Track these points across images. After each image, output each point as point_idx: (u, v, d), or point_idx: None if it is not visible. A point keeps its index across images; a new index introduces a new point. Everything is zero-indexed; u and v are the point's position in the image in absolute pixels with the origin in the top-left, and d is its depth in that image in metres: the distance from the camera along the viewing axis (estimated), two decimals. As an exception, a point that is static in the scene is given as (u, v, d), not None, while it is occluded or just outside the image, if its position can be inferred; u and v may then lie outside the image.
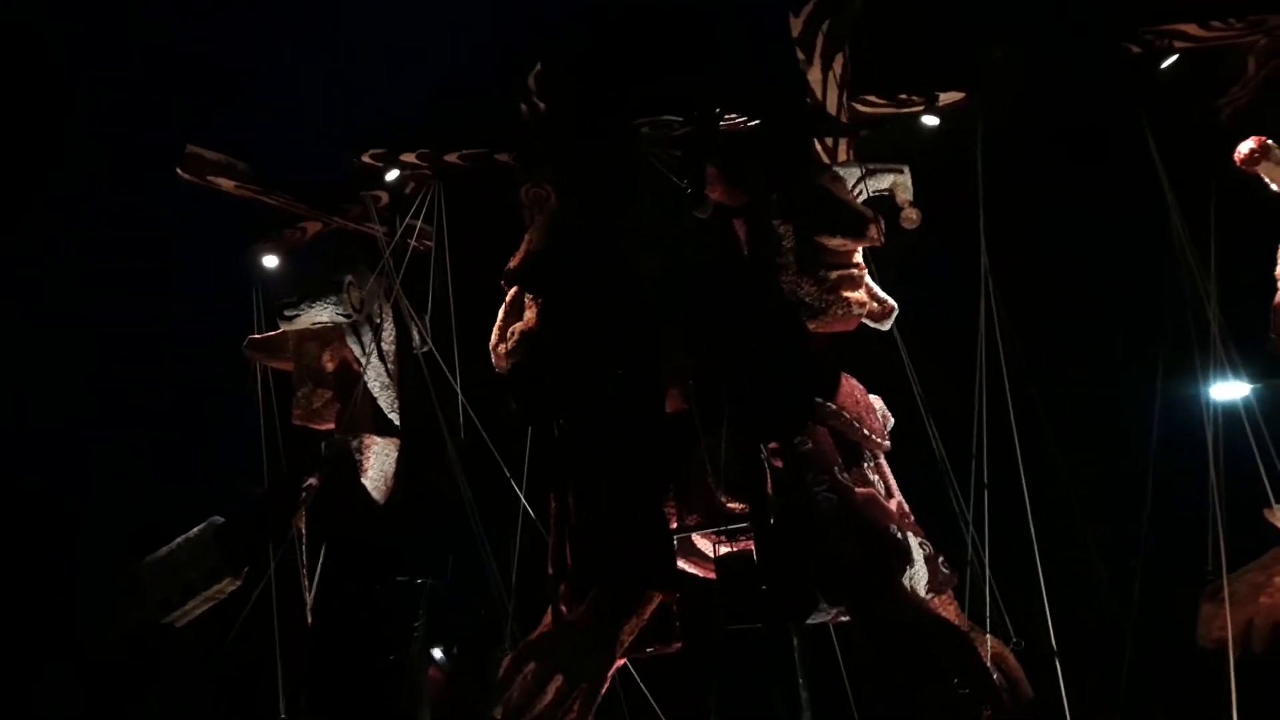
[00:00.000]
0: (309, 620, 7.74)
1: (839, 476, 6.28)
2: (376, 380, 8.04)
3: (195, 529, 7.87)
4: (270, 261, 8.68)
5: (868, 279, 6.92)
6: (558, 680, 6.14)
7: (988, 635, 6.53)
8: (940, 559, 6.75)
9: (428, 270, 8.27)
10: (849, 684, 6.88)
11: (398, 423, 8.12)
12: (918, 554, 6.64)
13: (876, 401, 7.11)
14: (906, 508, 6.86)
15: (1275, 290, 6.82)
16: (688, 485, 6.83)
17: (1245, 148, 6.61)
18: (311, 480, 7.84)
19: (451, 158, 7.85)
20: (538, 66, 7.25)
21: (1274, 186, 6.79)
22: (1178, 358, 7.03)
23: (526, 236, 7.54)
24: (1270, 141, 6.61)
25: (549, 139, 7.50)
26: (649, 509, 6.78)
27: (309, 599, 7.76)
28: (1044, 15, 6.90)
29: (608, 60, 7.33)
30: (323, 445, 8.05)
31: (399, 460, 8.08)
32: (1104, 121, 7.24)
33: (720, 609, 6.32)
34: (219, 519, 7.92)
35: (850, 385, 6.87)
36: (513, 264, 7.41)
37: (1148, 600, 7.43)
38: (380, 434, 8.03)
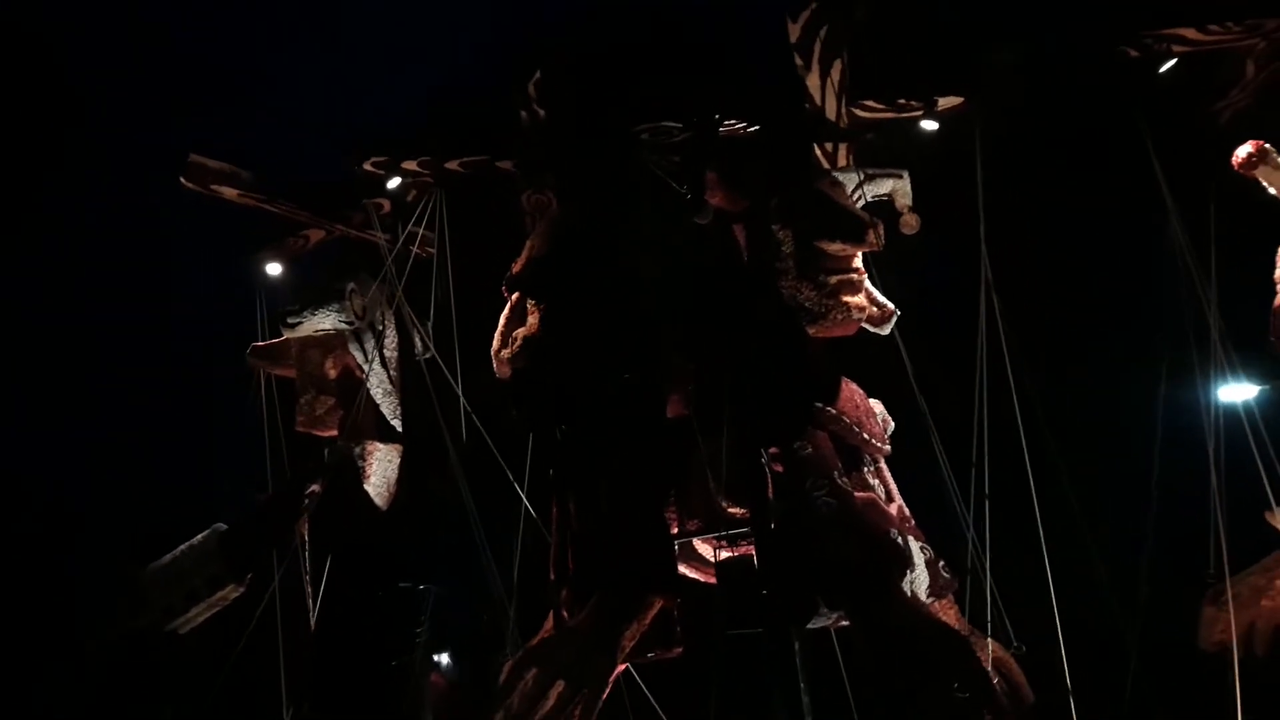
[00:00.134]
0: (312, 627, 7.75)
1: (839, 481, 6.29)
2: (379, 387, 8.07)
3: (198, 536, 7.89)
4: (273, 269, 8.73)
5: (867, 284, 6.92)
6: (559, 686, 6.15)
7: (989, 640, 6.52)
8: (941, 563, 6.74)
9: (430, 277, 8.31)
10: (850, 689, 6.88)
11: (400, 429, 8.15)
12: (919, 558, 6.63)
13: (877, 406, 7.11)
14: (907, 512, 6.86)
15: (1275, 293, 6.82)
16: (688, 490, 6.84)
17: (1243, 152, 6.62)
18: (314, 487, 7.86)
19: (453, 165, 7.89)
20: (537, 74, 7.30)
21: (1272, 190, 6.79)
22: (1178, 360, 7.04)
23: (528, 243, 7.57)
24: (1268, 145, 6.61)
25: (549, 146, 7.54)
26: (650, 514, 6.79)
27: (312, 606, 7.78)
28: (1042, 20, 6.91)
29: (607, 66, 7.36)
30: (325, 452, 8.07)
31: (402, 467, 8.10)
32: (1103, 125, 7.25)
33: (721, 614, 6.33)
34: (222, 526, 7.95)
35: (850, 390, 6.88)
36: (515, 270, 7.44)
37: (1150, 603, 7.43)
38: (383, 440, 8.06)
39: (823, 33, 6.68)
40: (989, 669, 6.30)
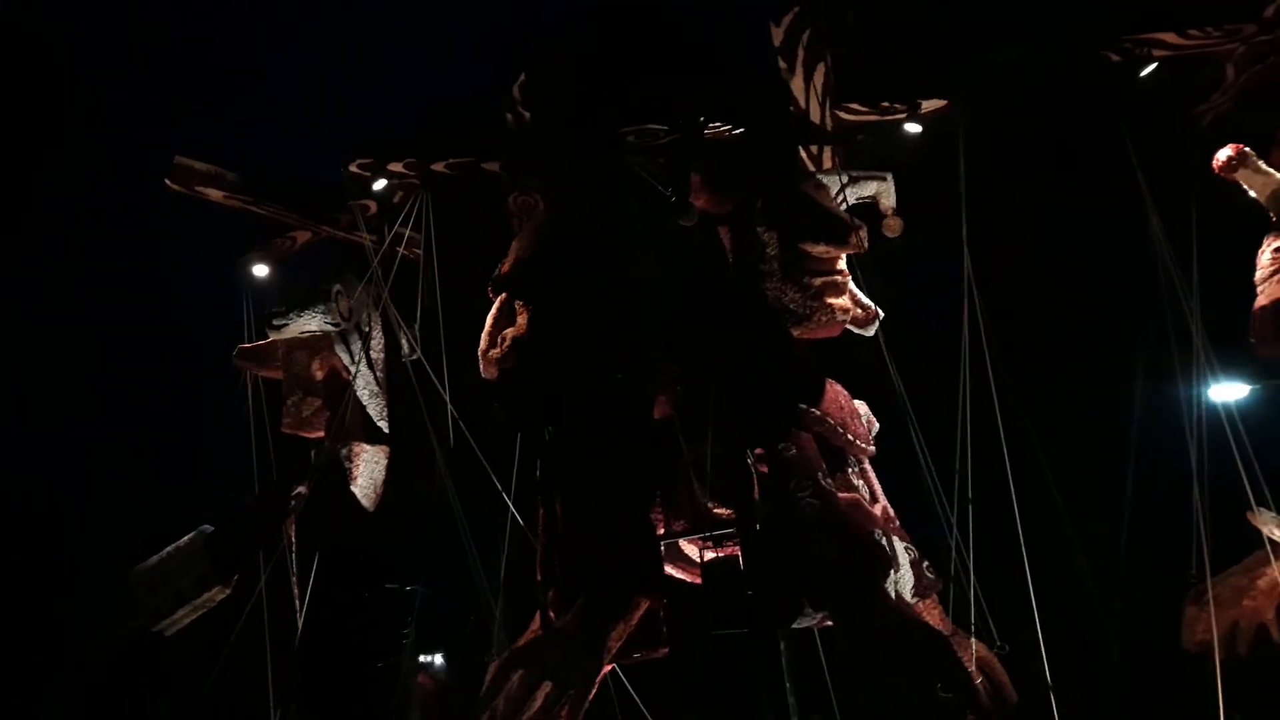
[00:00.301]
0: (299, 628, 7.74)
1: (823, 482, 6.32)
2: (365, 388, 8.07)
3: (185, 538, 7.87)
4: (260, 270, 8.72)
5: (851, 285, 6.96)
6: (546, 687, 6.16)
7: (972, 640, 6.56)
8: (925, 564, 6.78)
9: (416, 279, 8.31)
10: (832, 688, 6.91)
11: (387, 430, 8.15)
12: (903, 558, 6.68)
13: (861, 407, 7.14)
14: (891, 512, 6.89)
15: (1256, 295, 6.88)
16: (674, 491, 6.86)
17: (1223, 155, 6.69)
18: (301, 488, 7.85)
19: (439, 167, 7.89)
20: (522, 76, 7.31)
21: (1252, 193, 6.86)
22: (1162, 362, 7.08)
23: (514, 244, 7.58)
24: (1247, 149, 6.68)
25: (535, 148, 7.55)
26: (636, 515, 6.80)
27: (299, 607, 7.77)
28: (1025, 25, 6.95)
29: (593, 69, 7.38)
30: (312, 453, 8.06)
31: (388, 468, 8.10)
32: (1086, 128, 7.29)
33: (706, 614, 6.35)
34: (208, 528, 7.93)
35: (835, 391, 6.91)
36: (501, 270, 7.45)
37: (1134, 603, 7.48)
38: (369, 442, 8.06)
39: (805, 37, 6.72)
40: (972, 668, 6.33)
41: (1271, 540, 6.59)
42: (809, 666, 6.76)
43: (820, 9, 6.72)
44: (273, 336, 8.01)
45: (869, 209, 7.24)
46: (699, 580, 6.71)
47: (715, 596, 6.33)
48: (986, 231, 7.40)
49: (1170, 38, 6.70)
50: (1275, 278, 6.65)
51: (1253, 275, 6.95)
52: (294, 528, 7.91)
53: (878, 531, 6.43)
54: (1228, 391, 6.83)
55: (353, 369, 7.97)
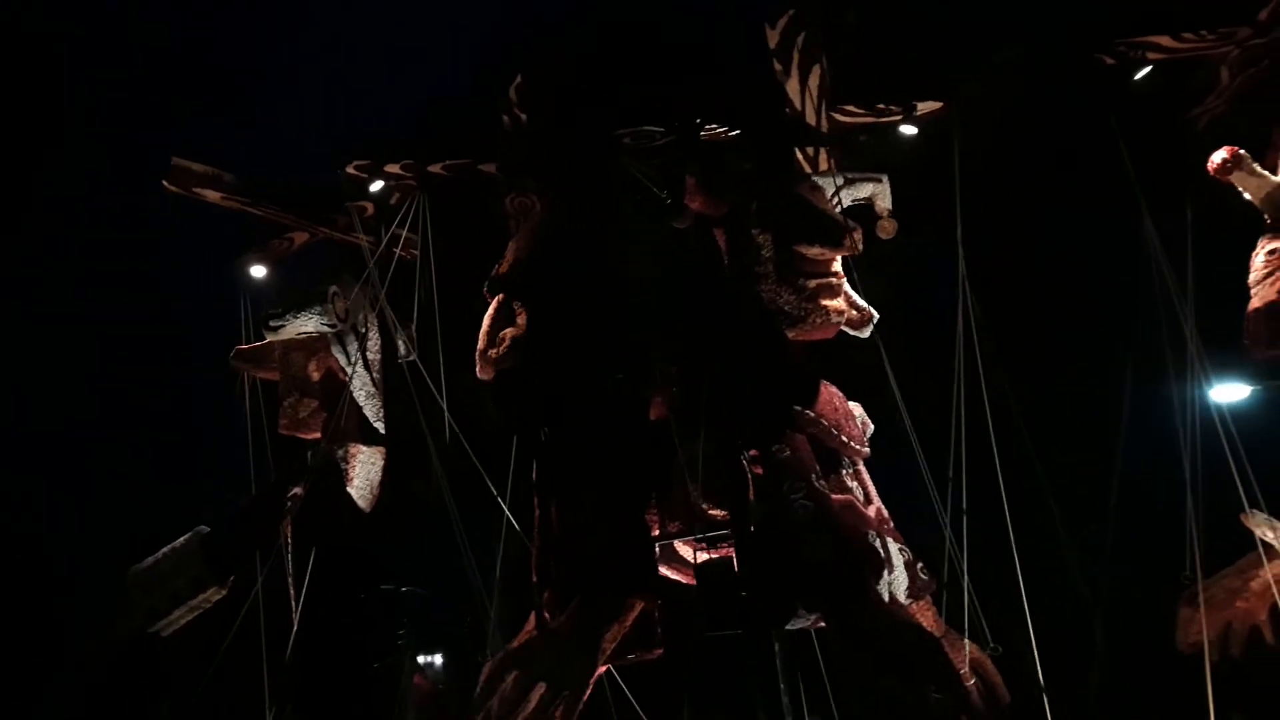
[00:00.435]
0: (295, 628, 7.75)
1: (816, 484, 6.33)
2: (362, 389, 8.08)
3: (181, 538, 7.89)
4: (258, 271, 8.73)
5: (846, 287, 6.98)
6: (540, 688, 6.17)
7: (966, 640, 6.57)
8: (919, 565, 6.79)
9: (414, 280, 8.32)
10: (831, 689, 6.93)
11: (383, 431, 8.16)
12: (897, 560, 6.68)
13: (856, 408, 7.15)
14: (886, 513, 6.90)
15: (1250, 297, 6.89)
16: (670, 492, 6.87)
17: (1218, 157, 6.70)
18: (297, 489, 7.86)
19: (436, 168, 7.91)
20: (518, 78, 7.32)
21: (1247, 195, 6.87)
22: (1156, 363, 7.09)
23: (511, 244, 7.59)
24: (1243, 152, 6.69)
25: (532, 149, 7.56)
26: (631, 516, 6.82)
27: (295, 607, 7.78)
28: (1021, 28, 6.96)
29: (589, 71, 7.39)
30: (308, 454, 8.07)
31: (385, 469, 8.11)
32: (1082, 130, 7.30)
33: (701, 615, 6.37)
34: (205, 528, 7.95)
35: (829, 393, 6.92)
36: (499, 271, 7.46)
37: (1131, 604, 7.49)
38: (366, 443, 8.06)
39: (800, 39, 6.72)
40: (965, 669, 6.35)
41: (1264, 542, 6.60)
42: (809, 667, 6.77)
43: (815, 12, 6.73)
44: (270, 338, 8.02)
45: (864, 210, 7.25)
46: (694, 581, 6.72)
47: (709, 598, 6.34)
48: (982, 233, 7.41)
49: (1165, 41, 6.71)
50: (1269, 280, 6.66)
51: (1248, 277, 6.96)
52: (290, 529, 7.93)
53: (871, 533, 6.44)
54: (1228, 392, 6.85)
55: (349, 370, 7.98)
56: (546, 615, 6.74)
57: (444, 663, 9.22)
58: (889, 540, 6.71)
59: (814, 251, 6.68)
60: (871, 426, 7.18)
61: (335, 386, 8.03)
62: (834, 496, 6.45)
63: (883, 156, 7.42)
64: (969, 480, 6.97)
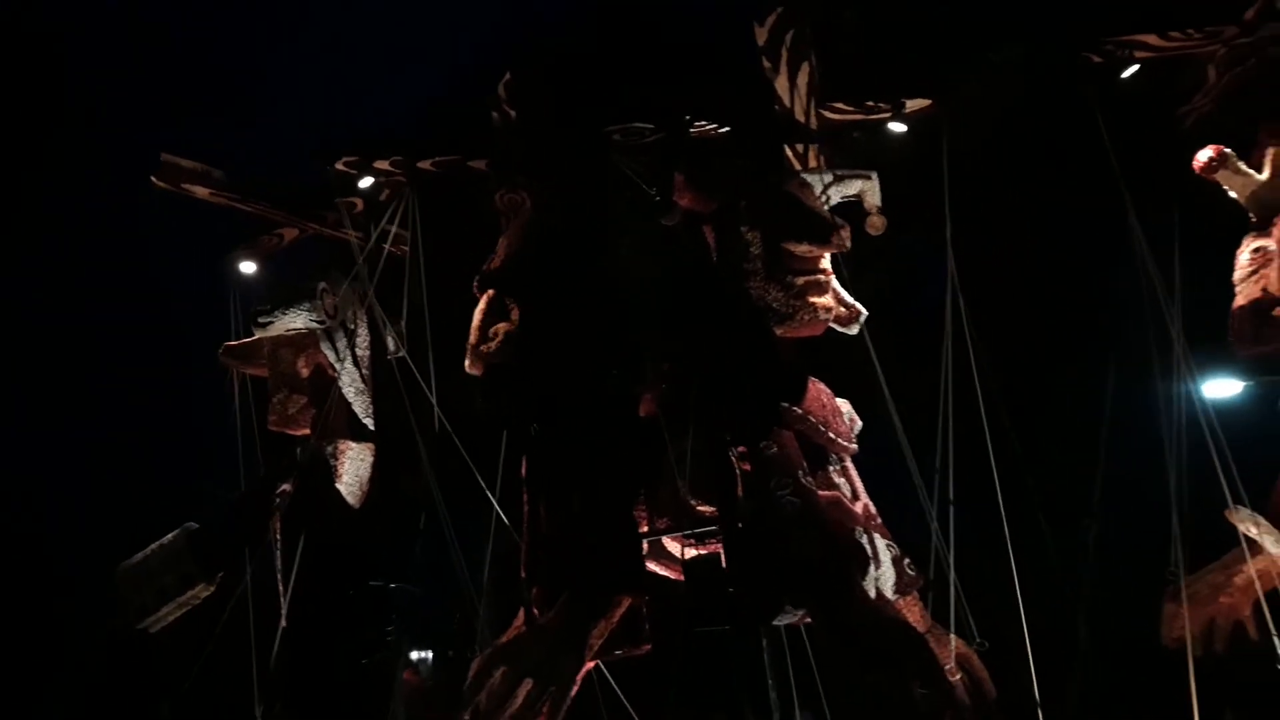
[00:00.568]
0: (284, 625, 7.76)
1: (803, 480, 6.35)
2: (351, 386, 8.09)
3: (169, 535, 7.89)
4: (247, 267, 8.72)
5: (835, 284, 7.00)
6: (527, 684, 6.19)
7: (952, 636, 6.61)
8: (906, 560, 6.83)
9: (403, 276, 8.32)
10: (821, 685, 6.95)
11: (373, 428, 8.16)
12: (884, 556, 6.72)
13: (844, 405, 7.18)
14: (873, 509, 6.93)
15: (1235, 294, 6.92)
16: (658, 488, 6.90)
17: (1204, 156, 6.73)
18: (285, 486, 7.86)
19: (425, 165, 7.91)
20: (508, 75, 7.33)
21: (1233, 194, 6.91)
22: (1143, 360, 7.13)
23: (502, 240, 7.60)
24: (1228, 150, 6.72)
25: (521, 146, 7.57)
26: (619, 513, 6.84)
27: (284, 604, 7.78)
28: (1008, 26, 6.98)
29: (578, 67, 7.40)
30: (297, 451, 8.07)
31: (374, 465, 8.12)
32: (1071, 128, 7.33)
33: (688, 612, 6.39)
34: (193, 525, 7.95)
35: (817, 389, 6.95)
36: (490, 266, 7.47)
37: (1119, 599, 7.54)
38: (355, 439, 8.07)
39: (789, 37, 6.74)
40: (951, 664, 6.38)
41: (1248, 538, 6.64)
42: (801, 664, 6.80)
43: (804, 10, 6.75)
44: (258, 334, 8.02)
45: (854, 207, 7.27)
46: (682, 577, 6.75)
47: (697, 594, 6.37)
48: (972, 230, 7.44)
49: (1152, 39, 6.74)
50: (1253, 278, 6.70)
51: (1233, 275, 6.99)
52: (279, 525, 7.93)
53: (858, 529, 6.47)
54: (1222, 388, 6.91)
55: (338, 366, 7.99)
56: (535, 611, 6.76)
57: (433, 659, 9.25)
58: (876, 536, 6.74)
59: (802, 249, 6.70)
60: (859, 423, 7.21)
61: (324, 383, 8.03)
62: (821, 493, 6.48)
63: (874, 153, 7.44)
64: (958, 477, 7.00)
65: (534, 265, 7.34)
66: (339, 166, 7.97)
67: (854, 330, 7.09)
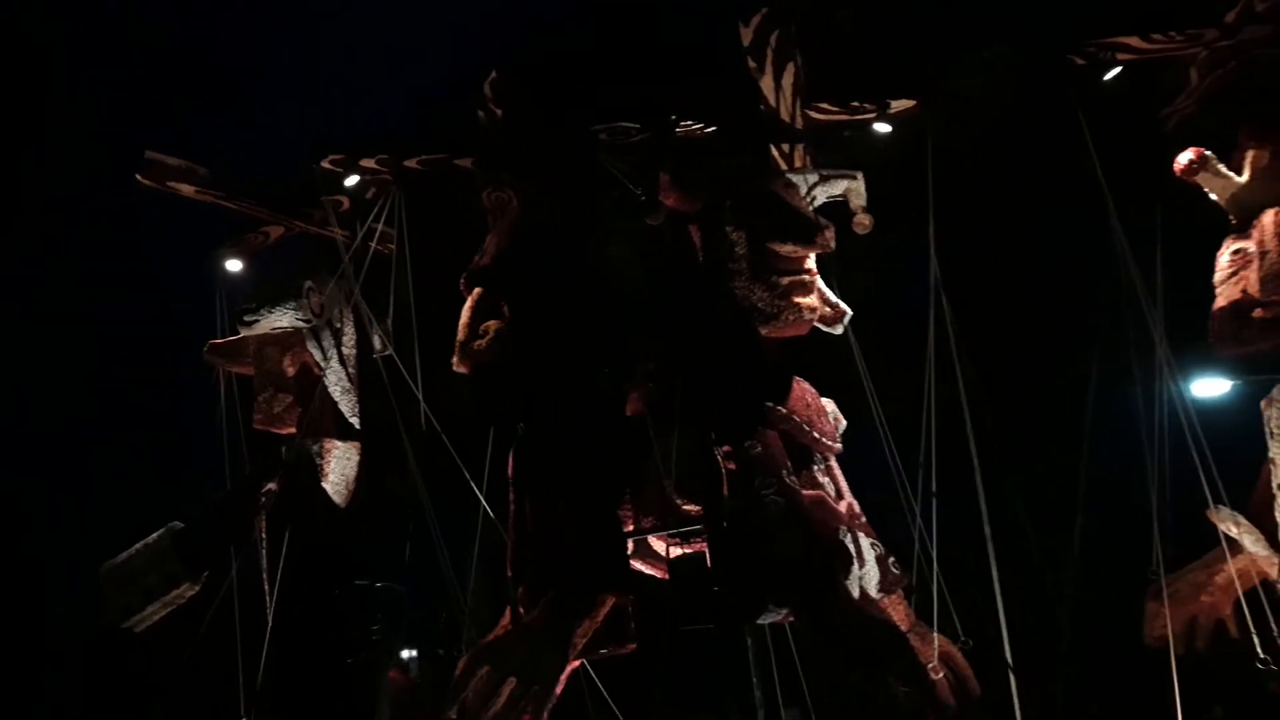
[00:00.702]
0: (269, 625, 7.75)
1: (787, 480, 6.37)
2: (337, 385, 8.08)
3: (154, 534, 7.86)
4: (233, 265, 8.71)
5: (820, 284, 7.02)
6: (511, 683, 6.20)
7: (935, 634, 6.64)
8: (891, 559, 6.86)
9: (390, 275, 8.32)
10: (805, 682, 6.98)
11: (359, 427, 8.16)
12: (869, 554, 6.74)
13: (829, 404, 7.20)
14: (858, 508, 6.96)
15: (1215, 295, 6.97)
16: (644, 487, 6.91)
17: (1184, 159, 6.78)
18: (271, 485, 7.85)
19: (411, 163, 7.90)
20: (493, 73, 7.33)
21: (1213, 196, 6.96)
22: (1126, 360, 7.18)
23: (491, 238, 7.60)
24: (1208, 153, 6.77)
25: (507, 144, 7.58)
26: (605, 512, 6.85)
27: (270, 603, 7.77)
28: (992, 28, 7.02)
29: (564, 66, 7.41)
30: (283, 450, 8.06)
31: (360, 464, 8.12)
32: (1057, 129, 7.37)
33: (673, 611, 6.41)
34: (178, 524, 7.93)
35: (802, 389, 6.97)
36: (479, 263, 7.47)
37: (1104, 598, 7.59)
38: (341, 438, 8.07)
39: (774, 38, 6.76)
40: (935, 662, 6.41)
41: (1228, 537, 6.70)
42: (787, 662, 6.82)
43: (788, 10, 6.76)
44: (244, 333, 8.01)
45: (839, 207, 7.29)
46: (667, 576, 6.77)
47: (682, 593, 6.39)
48: (957, 231, 7.47)
49: (1134, 42, 6.78)
50: (1233, 280, 6.75)
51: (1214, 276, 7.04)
52: (265, 524, 7.91)
53: (842, 528, 6.50)
54: (1210, 387, 6.96)
55: (324, 365, 7.98)
56: (521, 610, 6.76)
57: (419, 658, 9.24)
58: (861, 535, 6.76)
59: (787, 249, 6.71)
60: (844, 422, 7.24)
61: (310, 382, 8.03)
62: (805, 492, 6.50)
63: (862, 153, 7.46)
64: (941, 476, 7.04)
65: (522, 263, 7.34)
66: (325, 164, 7.96)
67: (839, 330, 7.12)
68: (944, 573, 6.89)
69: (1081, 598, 7.51)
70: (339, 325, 8.13)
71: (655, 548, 6.96)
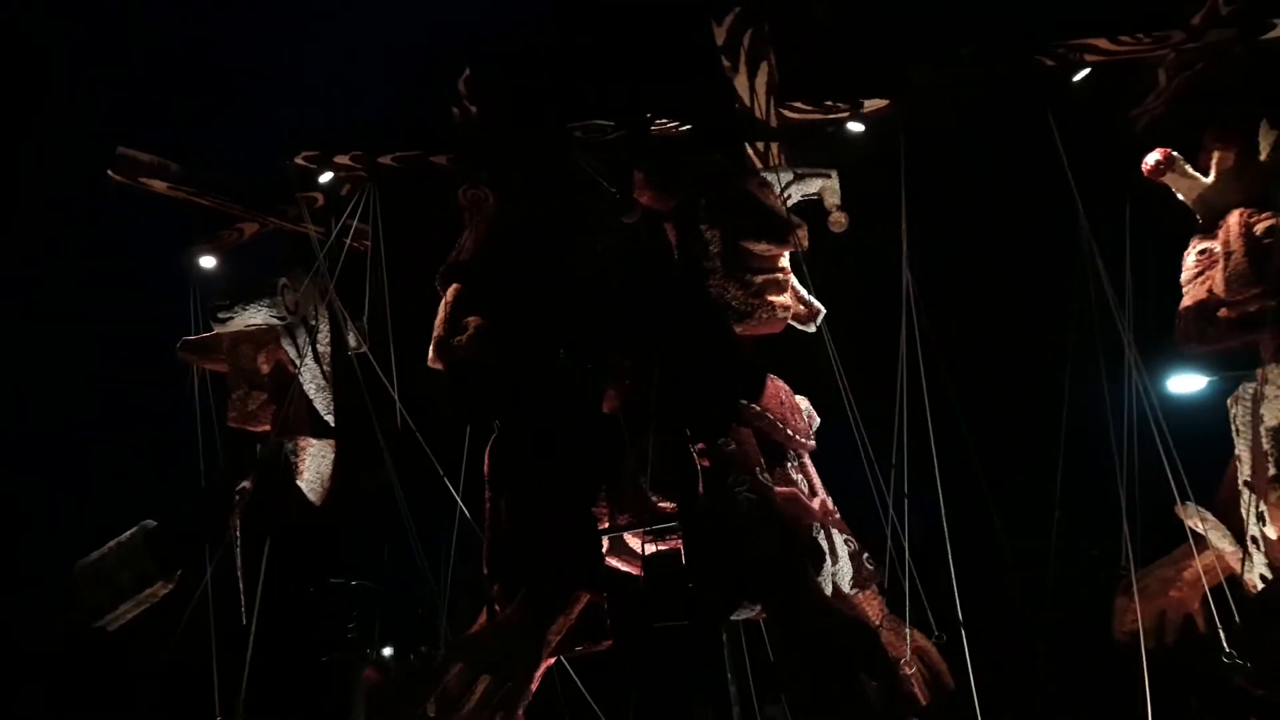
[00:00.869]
0: (244, 623, 7.70)
1: (760, 477, 6.41)
2: (312, 382, 8.03)
3: (126, 533, 7.80)
4: (207, 262, 8.63)
5: (794, 282, 7.06)
6: (484, 680, 6.20)
7: (909, 629, 6.70)
8: (865, 555, 6.91)
9: (365, 271, 8.27)
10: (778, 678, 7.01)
11: (334, 424, 8.12)
12: (842, 551, 6.80)
13: (803, 402, 7.25)
14: (831, 505, 7.01)
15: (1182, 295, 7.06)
16: (620, 485, 6.92)
17: (1151, 159, 6.87)
18: (245, 483, 7.80)
19: (385, 160, 7.87)
20: (467, 71, 7.31)
21: (1180, 196, 7.05)
22: (1095, 358, 7.25)
23: (468, 234, 7.59)
24: (1175, 154, 6.86)
25: (482, 142, 7.56)
26: (579, 510, 6.86)
27: (244, 602, 7.72)
28: (962, 29, 7.07)
29: (538, 64, 7.40)
30: (258, 447, 8.01)
31: (335, 462, 8.08)
32: (1025, 131, 7.43)
33: (647, 607, 6.43)
34: (151, 522, 7.86)
35: (776, 387, 7.01)
36: (456, 258, 7.46)
37: (1071, 594, 7.67)
38: (316, 436, 8.02)
39: (747, 37, 6.78)
40: (909, 657, 6.47)
41: (1195, 533, 6.79)
42: (763, 658, 6.85)
43: (761, 9, 6.78)
44: (218, 329, 7.95)
45: (814, 206, 7.34)
46: (642, 573, 6.78)
47: (656, 589, 6.41)
48: (930, 229, 7.52)
49: (1102, 43, 6.84)
50: (1199, 279, 6.83)
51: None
52: (239, 522, 7.86)
53: (815, 525, 6.54)
54: (1185, 383, 7.05)
55: (299, 362, 7.93)
56: (497, 608, 6.76)
57: (394, 656, 9.21)
58: (834, 531, 6.82)
59: (760, 247, 6.75)
60: (818, 420, 7.29)
61: (285, 379, 7.97)
62: (778, 489, 6.54)
63: (838, 152, 7.50)
64: (915, 473, 7.09)
65: (500, 260, 7.33)
66: (299, 160, 7.90)
67: (813, 328, 7.16)
68: (918, 568, 6.94)
69: (1053, 593, 7.59)
70: (314, 322, 8.08)
71: (630, 545, 6.97)
